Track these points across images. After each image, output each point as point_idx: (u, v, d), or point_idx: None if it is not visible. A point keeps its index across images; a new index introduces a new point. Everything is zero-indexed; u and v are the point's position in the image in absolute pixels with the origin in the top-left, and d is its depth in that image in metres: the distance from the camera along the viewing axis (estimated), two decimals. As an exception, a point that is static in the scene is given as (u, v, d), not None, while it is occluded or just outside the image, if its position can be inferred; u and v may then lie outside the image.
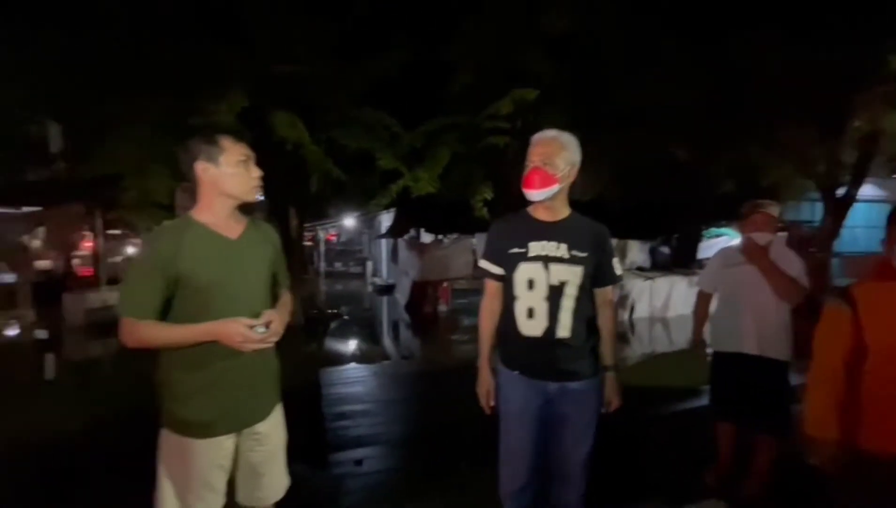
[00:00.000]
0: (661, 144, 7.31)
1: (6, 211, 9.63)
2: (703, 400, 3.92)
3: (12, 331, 7.55)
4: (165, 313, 1.40)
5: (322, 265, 16.57)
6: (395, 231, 10.53)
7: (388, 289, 11.36)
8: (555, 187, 1.67)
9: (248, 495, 1.56)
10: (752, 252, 2.32)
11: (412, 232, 10.68)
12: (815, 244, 7.77)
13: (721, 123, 6.60)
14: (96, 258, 8.89)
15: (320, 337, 7.47)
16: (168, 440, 1.43)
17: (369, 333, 8.20)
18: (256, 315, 1.41)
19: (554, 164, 1.65)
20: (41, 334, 7.41)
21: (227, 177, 1.44)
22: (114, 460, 2.95)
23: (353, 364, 5.73)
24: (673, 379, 4.67)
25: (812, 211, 11.20)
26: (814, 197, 8.39)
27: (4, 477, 2.93)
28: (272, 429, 1.56)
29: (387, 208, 8.68)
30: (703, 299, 2.64)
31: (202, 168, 1.43)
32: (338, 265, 17.64)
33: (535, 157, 1.69)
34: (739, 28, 5.97)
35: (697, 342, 2.68)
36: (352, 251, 19.51)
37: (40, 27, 6.99)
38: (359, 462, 2.93)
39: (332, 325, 8.19)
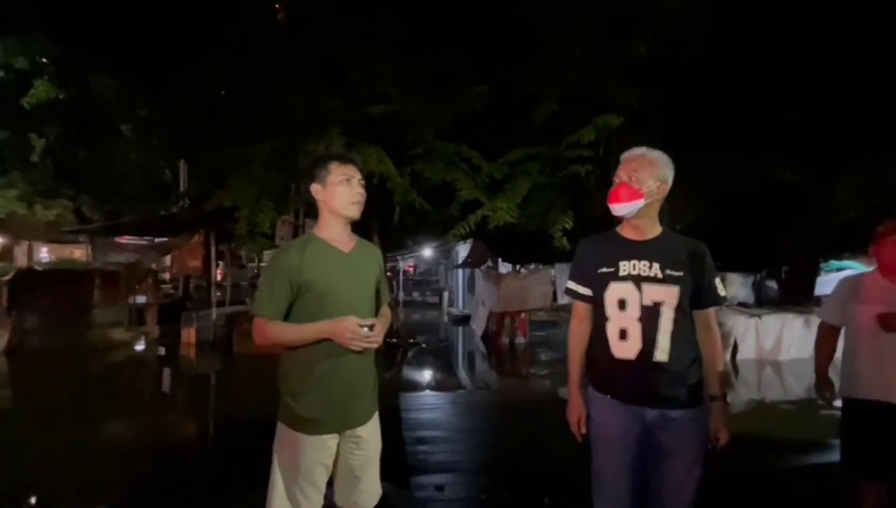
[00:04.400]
0: (765, 167, 6.65)
1: (142, 242, 11.35)
2: (826, 456, 3.39)
3: (140, 346, 8.85)
4: (286, 317, 1.57)
5: (401, 295, 17.15)
6: (472, 261, 10.64)
7: (464, 319, 11.39)
8: (640, 202, 1.62)
9: (345, 497, 1.64)
10: (891, 325, 1.97)
11: (489, 262, 10.69)
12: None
13: (845, 142, 5.83)
14: (209, 283, 10.03)
15: (399, 363, 7.65)
16: (282, 434, 1.58)
17: (445, 362, 8.23)
18: None
19: (640, 179, 1.62)
20: (161, 350, 8.52)
21: (333, 195, 1.61)
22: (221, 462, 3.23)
23: (428, 391, 5.78)
24: (789, 431, 4.11)
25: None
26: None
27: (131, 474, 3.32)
28: (370, 435, 1.65)
29: (464, 238, 8.84)
30: (828, 334, 2.27)
31: (315, 190, 1.63)
32: (415, 295, 18.12)
33: (622, 172, 1.67)
34: (869, 39, 5.33)
35: (823, 382, 2.28)
36: (428, 282, 19.98)
37: (178, 86, 8.42)
38: (440, 488, 2.90)
39: (410, 353, 8.35)
